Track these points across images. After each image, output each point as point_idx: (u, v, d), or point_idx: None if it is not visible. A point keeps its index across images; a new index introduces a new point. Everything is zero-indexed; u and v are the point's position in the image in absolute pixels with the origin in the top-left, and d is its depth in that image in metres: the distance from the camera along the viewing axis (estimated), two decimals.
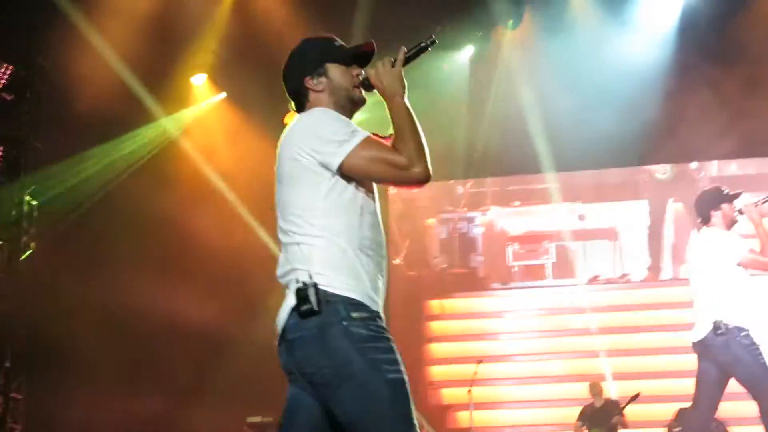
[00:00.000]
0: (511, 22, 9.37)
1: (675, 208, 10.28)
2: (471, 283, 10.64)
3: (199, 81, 9.87)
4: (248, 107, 9.50)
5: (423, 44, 3.03)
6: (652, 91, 8.97)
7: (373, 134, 2.92)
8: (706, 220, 6.25)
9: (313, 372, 2.79)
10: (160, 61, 9.18)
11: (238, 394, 8.88)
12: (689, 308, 6.26)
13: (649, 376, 9.44)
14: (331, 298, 2.78)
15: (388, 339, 2.81)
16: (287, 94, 3.13)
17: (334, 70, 3.05)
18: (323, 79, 3.04)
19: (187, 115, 9.87)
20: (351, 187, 2.90)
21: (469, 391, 8.66)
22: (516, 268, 10.55)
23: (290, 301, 2.83)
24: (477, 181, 10.83)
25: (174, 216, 9.12)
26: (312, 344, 2.77)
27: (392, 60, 2.99)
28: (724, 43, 8.97)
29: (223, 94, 9.90)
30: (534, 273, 10.50)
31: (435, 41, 3.04)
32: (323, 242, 2.84)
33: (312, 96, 3.05)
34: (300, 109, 3.08)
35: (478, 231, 10.77)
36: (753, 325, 6.00)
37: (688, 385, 6.12)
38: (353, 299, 2.79)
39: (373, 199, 2.98)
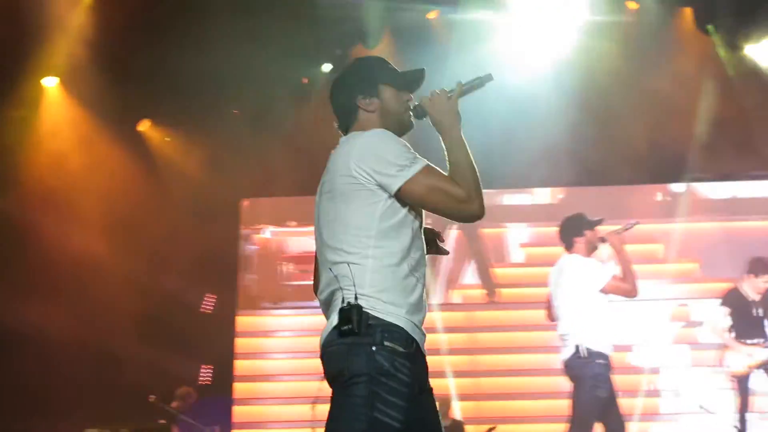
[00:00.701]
0: (370, 40, 9.53)
1: (454, 235, 10.28)
2: (243, 301, 10.33)
3: (51, 83, 9.61)
4: (101, 114, 9.33)
5: (479, 80, 3.07)
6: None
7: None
8: (569, 247, 6.42)
9: (337, 386, 2.87)
10: (8, 60, 8.90)
11: (75, 405, 8.62)
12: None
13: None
14: (373, 321, 2.81)
15: (402, 381, 2.81)
16: (334, 110, 3.13)
17: (387, 93, 3.07)
18: (375, 101, 3.06)
19: (35, 117, 9.58)
20: (404, 211, 2.92)
21: None
22: (289, 288, 10.38)
23: (333, 320, 2.87)
24: (255, 201, 10.62)
25: (15, 221, 8.85)
26: (339, 358, 2.84)
27: (447, 91, 3.03)
28: None
29: (75, 99, 9.65)
30: (307, 293, 10.36)
31: (492, 77, 3.08)
32: (374, 263, 2.86)
33: (362, 116, 3.06)
34: (345, 126, 3.10)
35: (252, 249, 10.70)
36: (610, 350, 6.25)
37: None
38: (393, 325, 2.82)
39: (421, 223, 3.02)
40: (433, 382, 2.98)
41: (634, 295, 6.41)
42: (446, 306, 10.27)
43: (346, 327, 2.78)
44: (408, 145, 2.96)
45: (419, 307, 2.91)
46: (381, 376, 2.77)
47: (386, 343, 2.79)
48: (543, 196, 10.61)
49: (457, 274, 10.42)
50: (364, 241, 2.86)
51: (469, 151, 2.94)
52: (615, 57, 9.17)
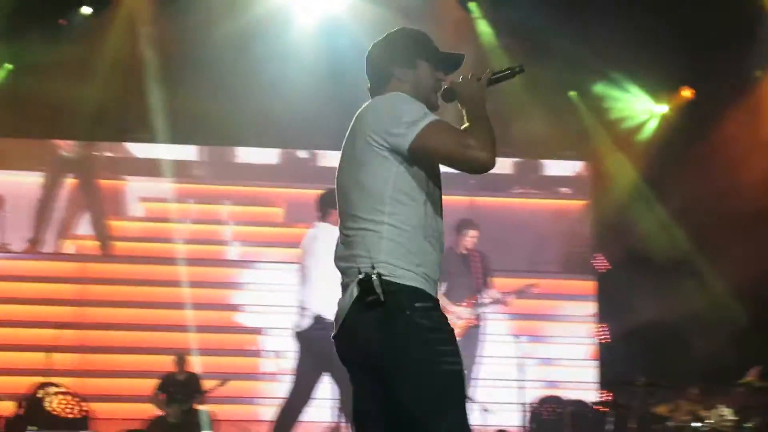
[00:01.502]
0: None
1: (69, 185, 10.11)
2: None
3: None
4: None
5: (510, 70, 3.11)
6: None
7: None
8: (324, 216, 6.41)
9: (375, 358, 2.80)
10: None
11: None
12: None
13: None
14: (394, 288, 2.78)
15: (447, 330, 2.82)
16: (368, 73, 3.11)
17: (423, 68, 3.07)
18: (411, 72, 3.06)
19: None
20: (421, 174, 2.90)
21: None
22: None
23: (352, 290, 2.83)
24: None
25: None
26: (376, 332, 2.77)
27: (478, 77, 3.03)
28: None
29: None
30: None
31: (523, 69, 3.11)
32: (389, 230, 2.83)
33: (394, 84, 3.04)
34: (376, 91, 3.08)
35: None
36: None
37: None
38: (415, 287, 2.81)
39: (439, 188, 2.98)
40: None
41: None
42: (58, 256, 9.92)
43: (371, 297, 2.77)
44: (422, 104, 2.95)
45: (435, 271, 2.90)
46: (428, 333, 2.77)
47: (417, 304, 2.79)
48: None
49: (71, 223, 10.11)
50: (379, 208, 2.86)
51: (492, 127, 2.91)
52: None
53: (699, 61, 9.42)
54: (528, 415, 8.49)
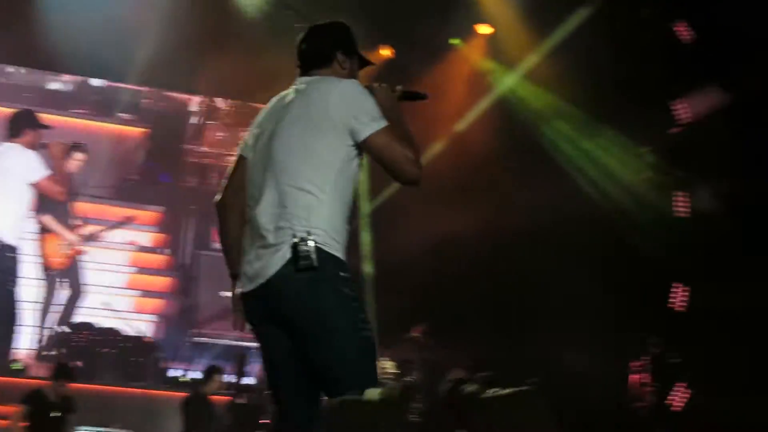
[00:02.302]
0: None
1: None
2: None
3: None
4: None
5: (417, 94, 3.46)
6: None
7: None
8: (15, 135, 6.63)
9: (299, 319, 3.01)
10: None
11: None
12: None
13: None
14: (324, 255, 2.98)
15: (360, 300, 3.11)
16: (305, 51, 3.36)
17: (355, 63, 3.40)
18: (348, 62, 3.36)
19: None
20: (357, 160, 3.17)
21: None
22: None
23: (284, 252, 2.99)
24: None
25: None
26: (303, 295, 2.98)
27: (392, 88, 3.34)
28: None
29: None
30: None
31: (426, 98, 3.47)
32: (329, 200, 3.04)
33: (335, 67, 3.33)
34: (309, 67, 3.32)
35: None
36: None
37: None
38: (340, 259, 3.04)
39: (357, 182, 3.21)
40: None
41: (63, 200, 7.34)
42: None
43: (305, 263, 2.95)
44: None
45: (346, 247, 3.13)
46: (349, 301, 3.04)
47: (341, 273, 3.04)
48: None
49: None
50: (326, 178, 3.06)
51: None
52: None
53: (398, 23, 9.57)
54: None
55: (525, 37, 9.79)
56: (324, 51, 3.35)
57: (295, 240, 2.97)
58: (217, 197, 3.33)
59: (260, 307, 3.10)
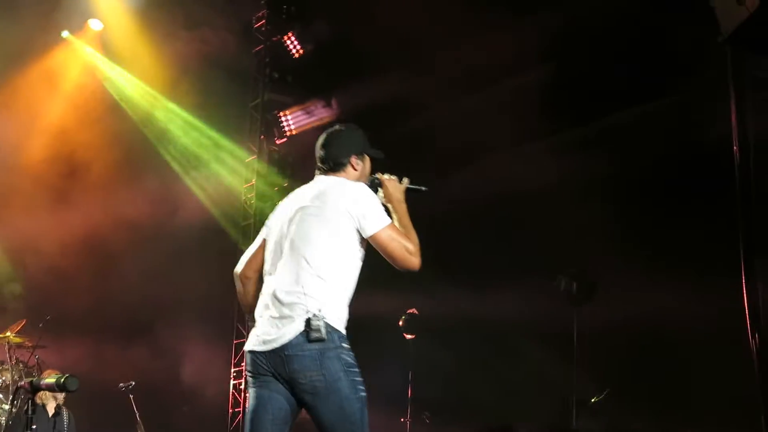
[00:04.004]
0: None
1: None
2: None
3: None
4: None
5: (420, 189, 4.04)
6: None
7: None
8: None
9: (305, 382, 3.60)
10: None
11: None
12: None
13: None
14: (330, 329, 3.61)
15: (357, 366, 3.66)
16: (324, 156, 3.93)
17: (367, 161, 4.01)
18: (361, 163, 3.97)
19: None
20: (361, 253, 3.79)
21: None
22: None
23: (298, 325, 3.60)
24: None
25: None
26: (312, 362, 3.58)
27: (398, 179, 4.01)
28: None
29: None
30: None
31: (427, 189, 4.05)
32: (335, 284, 3.68)
33: (348, 171, 3.94)
34: (328, 170, 3.93)
35: None
36: None
37: None
38: (342, 332, 3.67)
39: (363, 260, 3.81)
40: None
41: None
42: None
43: (316, 335, 3.55)
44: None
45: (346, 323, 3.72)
46: (349, 368, 3.61)
47: (343, 344, 3.62)
48: None
49: None
50: (336, 266, 3.68)
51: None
52: None
53: None
54: None
55: (136, 34, 9.81)
56: (339, 159, 3.93)
57: (308, 316, 3.58)
58: (239, 268, 3.95)
59: (267, 365, 3.66)
